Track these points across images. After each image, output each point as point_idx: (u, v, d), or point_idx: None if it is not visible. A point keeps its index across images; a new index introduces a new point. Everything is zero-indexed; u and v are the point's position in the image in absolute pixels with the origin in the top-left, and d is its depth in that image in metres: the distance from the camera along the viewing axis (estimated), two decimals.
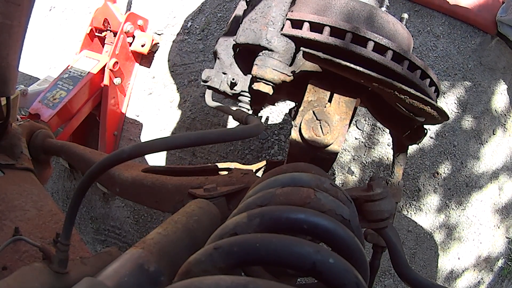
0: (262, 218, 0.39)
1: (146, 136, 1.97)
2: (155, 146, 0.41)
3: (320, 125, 0.64)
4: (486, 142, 1.72)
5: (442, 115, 0.65)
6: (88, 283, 0.39)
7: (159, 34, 1.98)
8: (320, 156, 0.66)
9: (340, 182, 1.74)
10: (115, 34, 1.85)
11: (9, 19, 0.82)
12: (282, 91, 0.78)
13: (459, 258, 1.79)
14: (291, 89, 0.77)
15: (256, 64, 0.73)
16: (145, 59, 1.99)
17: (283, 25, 0.72)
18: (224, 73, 0.82)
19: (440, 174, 1.72)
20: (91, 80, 1.74)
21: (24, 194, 0.83)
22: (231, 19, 0.84)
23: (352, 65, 0.60)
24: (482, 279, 1.82)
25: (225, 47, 0.82)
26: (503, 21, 1.57)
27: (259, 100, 0.84)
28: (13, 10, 0.82)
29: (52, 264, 0.50)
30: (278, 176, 0.50)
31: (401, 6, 1.70)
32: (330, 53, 0.64)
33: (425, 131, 0.74)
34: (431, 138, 1.71)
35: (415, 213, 1.75)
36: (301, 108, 0.67)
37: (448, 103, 1.69)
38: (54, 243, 0.64)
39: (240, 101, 0.83)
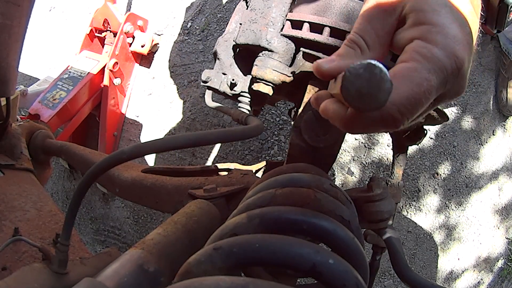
0: (262, 218, 0.39)
1: (146, 136, 1.97)
2: (155, 146, 0.41)
3: (320, 126, 0.64)
4: (486, 142, 1.72)
5: (441, 116, 0.65)
6: (87, 284, 0.39)
7: (159, 35, 1.98)
8: (319, 157, 0.66)
9: (340, 182, 1.74)
10: (115, 34, 1.85)
11: (9, 19, 0.82)
12: (282, 91, 0.78)
13: (458, 259, 1.79)
14: (291, 90, 0.77)
15: (256, 65, 0.73)
16: (145, 59, 1.99)
17: (283, 25, 0.72)
18: (224, 74, 0.82)
19: (440, 174, 1.72)
20: (91, 81, 1.74)
21: (23, 194, 0.83)
22: (231, 19, 0.84)
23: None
24: (481, 279, 1.82)
25: (224, 47, 0.82)
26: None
27: (259, 101, 0.84)
28: (13, 11, 0.82)
29: (51, 265, 0.50)
30: (277, 176, 0.50)
31: None
32: (330, 54, 0.64)
33: (425, 131, 0.74)
34: (431, 138, 1.71)
35: (414, 214, 1.75)
36: (301, 108, 0.67)
37: (448, 103, 1.70)
38: (54, 243, 0.64)
39: (240, 102, 0.83)
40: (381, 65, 0.25)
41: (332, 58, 0.36)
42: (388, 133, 1.41)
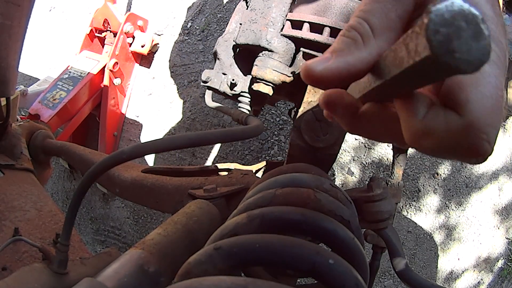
0: (262, 218, 0.39)
1: (146, 136, 1.97)
2: (155, 146, 0.41)
3: (320, 126, 0.64)
4: None
5: None
6: (87, 284, 0.39)
7: (159, 35, 1.98)
8: (320, 157, 0.66)
9: (340, 182, 1.74)
10: (115, 34, 1.85)
11: (9, 19, 0.82)
12: (282, 91, 0.78)
13: (458, 259, 1.79)
14: (291, 90, 0.77)
15: (256, 65, 0.73)
16: (145, 59, 1.99)
17: (283, 25, 0.72)
18: (224, 74, 0.82)
19: (440, 174, 1.72)
20: (91, 81, 1.74)
21: (24, 194, 0.83)
22: (231, 19, 0.84)
23: None
24: (481, 279, 1.82)
25: (225, 47, 0.82)
26: None
27: (259, 101, 0.84)
28: (13, 11, 0.82)
29: (51, 265, 0.50)
30: (278, 176, 0.50)
31: None
32: None
33: None
34: None
35: (415, 214, 1.75)
36: (301, 108, 0.67)
37: None
38: (54, 243, 0.64)
39: (240, 102, 0.83)
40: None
41: (326, 56, 0.26)
42: None
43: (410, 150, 1.66)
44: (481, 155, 0.22)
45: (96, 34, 1.92)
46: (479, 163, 0.23)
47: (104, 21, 1.84)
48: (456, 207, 1.75)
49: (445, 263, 1.79)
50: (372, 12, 0.26)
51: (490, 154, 0.22)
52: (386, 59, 0.22)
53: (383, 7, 0.25)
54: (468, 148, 0.22)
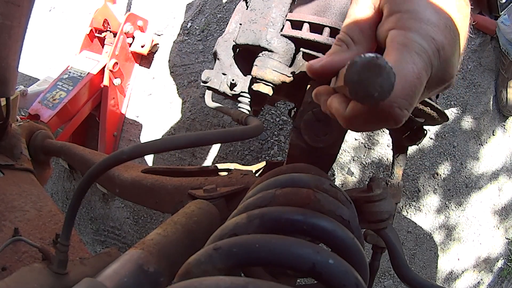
0: (262, 219, 0.39)
1: (145, 136, 1.97)
2: (154, 146, 0.41)
3: (320, 126, 0.64)
4: (486, 143, 1.72)
5: (441, 116, 0.65)
6: (87, 284, 0.39)
7: (159, 35, 1.98)
8: (320, 157, 0.66)
9: (340, 182, 1.74)
10: (115, 34, 1.85)
11: (9, 19, 0.82)
12: (282, 92, 0.78)
13: (458, 259, 1.79)
14: (290, 90, 0.77)
15: (255, 65, 0.73)
16: (145, 59, 1.99)
17: (283, 26, 0.72)
18: (224, 74, 0.82)
19: (440, 175, 1.72)
20: (91, 81, 1.74)
21: (23, 194, 0.83)
22: (231, 19, 0.84)
23: None
24: (481, 279, 1.82)
25: (224, 48, 0.82)
26: (501, 28, 1.58)
27: (259, 101, 0.84)
28: (13, 11, 0.82)
29: (51, 265, 0.50)
30: (277, 177, 0.50)
31: None
32: None
33: (425, 132, 0.74)
34: (431, 139, 1.71)
35: (414, 214, 1.75)
36: (301, 109, 0.67)
37: (448, 104, 1.70)
38: (54, 243, 0.64)
39: (240, 102, 0.83)
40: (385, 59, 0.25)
41: (322, 57, 0.38)
42: (388, 133, 1.40)
43: (410, 150, 1.66)
44: (396, 119, 0.30)
45: (96, 34, 1.92)
46: (398, 126, 0.30)
47: (104, 21, 1.84)
48: (456, 207, 1.75)
49: (445, 263, 1.79)
50: (350, 27, 0.38)
51: (406, 118, 0.30)
52: (341, 73, 0.33)
53: (357, 23, 0.37)
54: (385, 116, 0.29)
